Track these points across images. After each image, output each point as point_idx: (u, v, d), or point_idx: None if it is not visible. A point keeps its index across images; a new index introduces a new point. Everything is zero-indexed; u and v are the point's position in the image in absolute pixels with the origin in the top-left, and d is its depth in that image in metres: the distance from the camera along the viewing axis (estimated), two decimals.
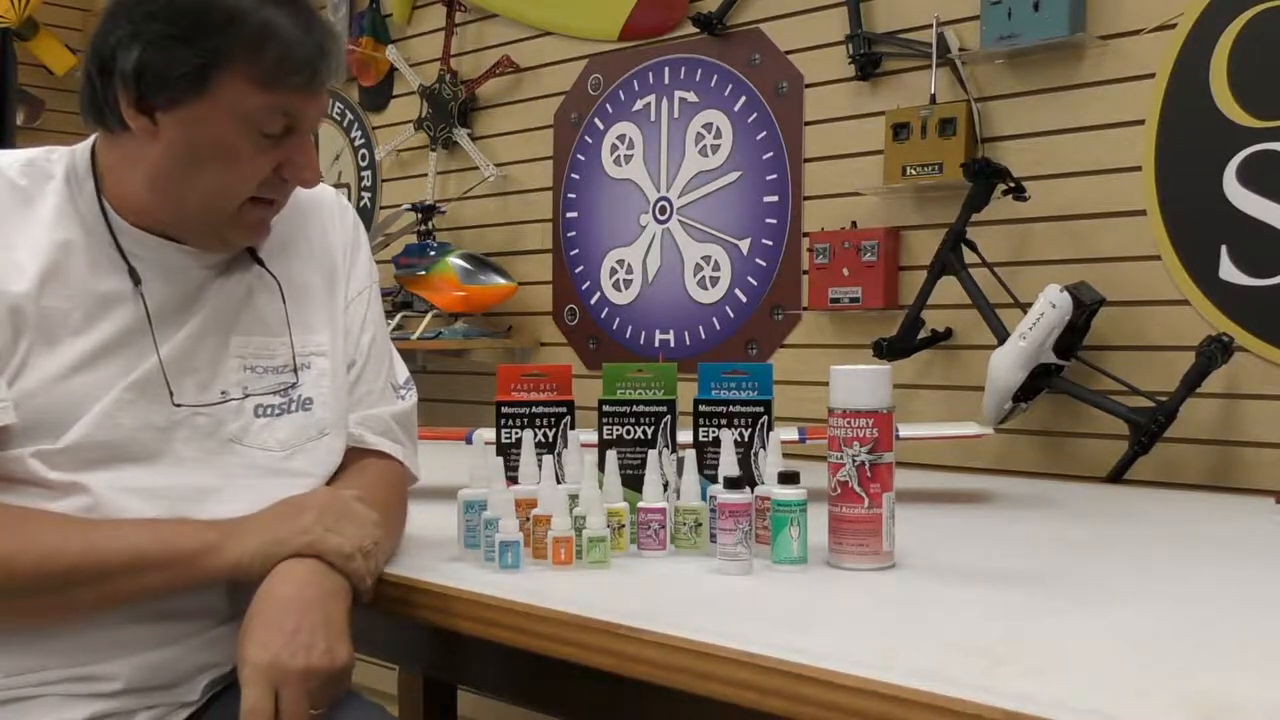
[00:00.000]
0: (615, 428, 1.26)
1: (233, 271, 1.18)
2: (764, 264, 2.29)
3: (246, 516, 1.08)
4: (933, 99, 2.00)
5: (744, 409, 1.23)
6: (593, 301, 2.59)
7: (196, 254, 1.15)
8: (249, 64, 1.04)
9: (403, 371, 1.33)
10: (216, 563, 1.05)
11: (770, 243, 2.28)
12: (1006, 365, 1.76)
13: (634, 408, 1.25)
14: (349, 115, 3.15)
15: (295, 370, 1.18)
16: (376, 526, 1.10)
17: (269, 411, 1.16)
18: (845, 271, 2.10)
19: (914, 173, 2.00)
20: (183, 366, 1.12)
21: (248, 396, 1.15)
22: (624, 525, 1.17)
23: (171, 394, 1.10)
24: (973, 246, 1.92)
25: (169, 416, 1.11)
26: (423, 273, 2.62)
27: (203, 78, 1.03)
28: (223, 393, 1.14)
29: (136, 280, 1.11)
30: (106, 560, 1.03)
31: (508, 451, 1.26)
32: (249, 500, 1.10)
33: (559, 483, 1.16)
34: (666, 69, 2.46)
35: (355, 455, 1.22)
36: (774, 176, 2.27)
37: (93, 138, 1.15)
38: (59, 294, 1.08)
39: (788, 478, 1.11)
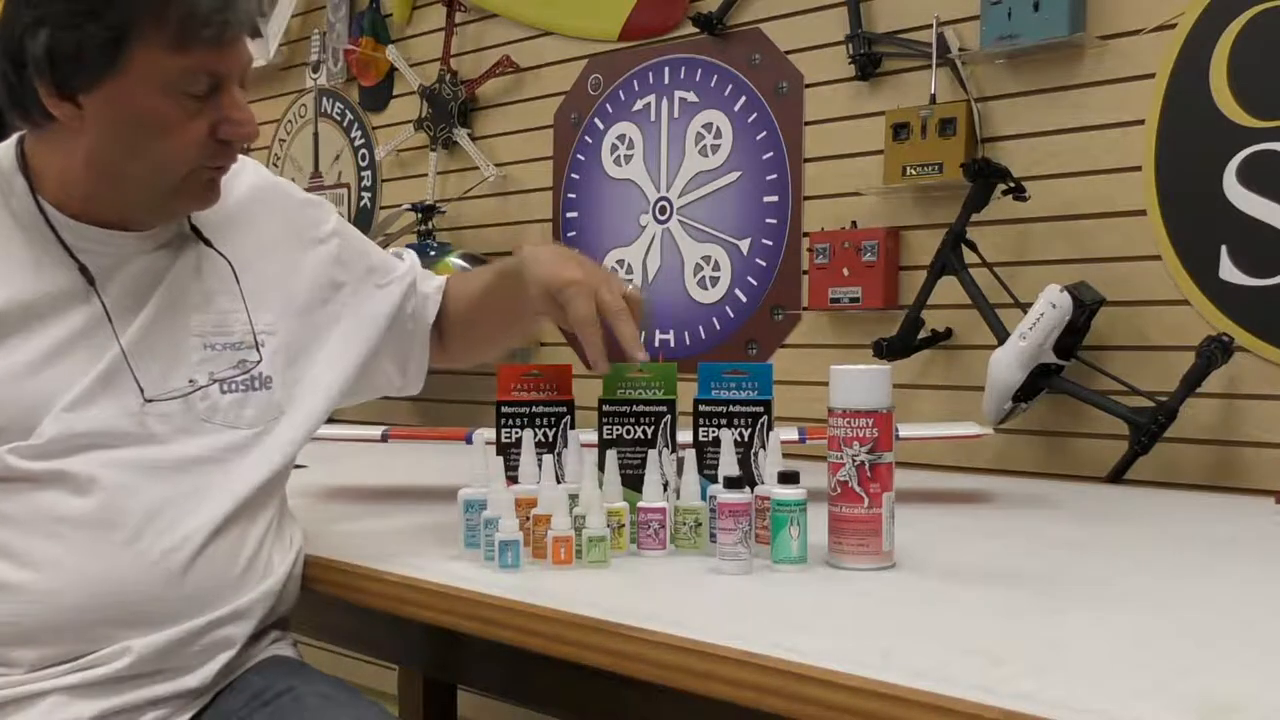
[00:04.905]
0: (615, 428, 1.26)
1: (182, 251, 1.17)
2: (764, 264, 2.29)
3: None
4: (933, 99, 2.00)
5: (744, 409, 1.23)
6: None
7: (144, 238, 1.14)
8: (157, 29, 1.02)
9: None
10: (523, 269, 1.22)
11: (770, 243, 2.28)
12: (1006, 365, 1.76)
13: (634, 408, 1.25)
14: (349, 115, 3.14)
15: (256, 346, 1.18)
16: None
17: (234, 387, 1.16)
18: (845, 271, 2.10)
19: (914, 173, 2.00)
20: (145, 353, 1.12)
21: (214, 382, 1.15)
22: (624, 525, 1.17)
23: (142, 390, 1.10)
24: (973, 246, 1.92)
25: (141, 406, 1.10)
26: None
27: (116, 51, 1.02)
28: (190, 380, 1.14)
29: (90, 279, 1.10)
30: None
31: (508, 451, 1.26)
32: (239, 471, 1.14)
33: (559, 482, 1.16)
34: (666, 69, 2.46)
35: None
36: (774, 176, 2.27)
37: (14, 136, 1.13)
38: (4, 298, 1.07)
39: (788, 477, 1.11)
